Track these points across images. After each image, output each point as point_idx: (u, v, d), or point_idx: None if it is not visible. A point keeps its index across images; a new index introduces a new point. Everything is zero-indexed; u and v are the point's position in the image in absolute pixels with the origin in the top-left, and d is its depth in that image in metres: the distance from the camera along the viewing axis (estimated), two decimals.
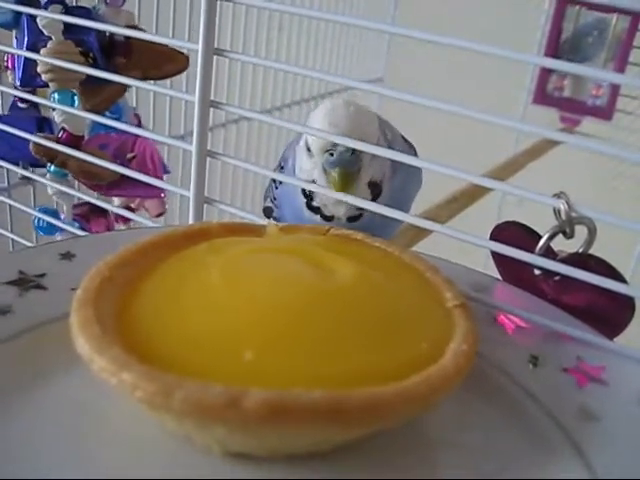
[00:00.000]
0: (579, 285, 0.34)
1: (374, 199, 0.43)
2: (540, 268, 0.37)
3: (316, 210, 0.44)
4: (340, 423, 0.24)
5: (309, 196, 0.44)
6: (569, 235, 0.35)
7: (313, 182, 0.43)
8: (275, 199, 0.49)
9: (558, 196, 0.34)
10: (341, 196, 0.40)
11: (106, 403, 0.28)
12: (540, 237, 0.38)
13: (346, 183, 0.41)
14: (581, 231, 0.36)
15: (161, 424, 0.27)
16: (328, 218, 0.44)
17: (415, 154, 0.48)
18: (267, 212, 0.50)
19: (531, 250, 0.36)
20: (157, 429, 0.27)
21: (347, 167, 0.41)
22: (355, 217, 0.44)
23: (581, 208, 0.34)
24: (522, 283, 0.38)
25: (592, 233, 0.36)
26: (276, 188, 0.48)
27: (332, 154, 0.41)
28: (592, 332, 0.34)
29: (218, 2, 0.41)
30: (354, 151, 0.40)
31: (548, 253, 0.37)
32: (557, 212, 0.35)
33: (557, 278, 0.37)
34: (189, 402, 0.23)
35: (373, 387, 0.24)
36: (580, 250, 0.37)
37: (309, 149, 0.42)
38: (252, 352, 0.25)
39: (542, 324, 0.34)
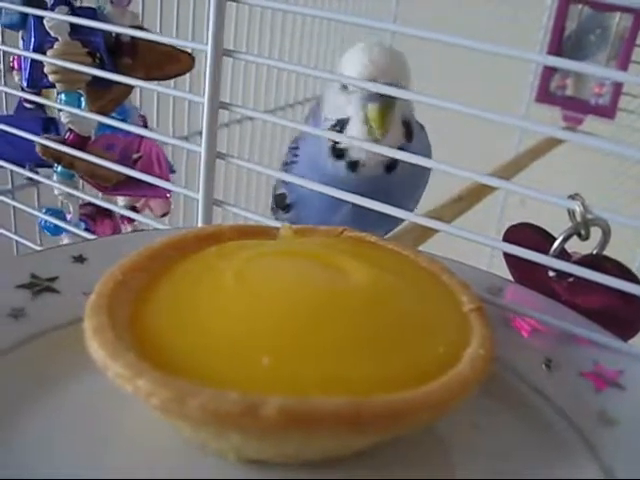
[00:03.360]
0: (593, 287, 0.34)
1: (408, 139, 0.44)
2: (555, 270, 0.37)
3: (341, 155, 0.44)
4: (359, 430, 0.23)
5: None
6: (584, 237, 0.35)
7: (346, 120, 0.43)
8: (288, 182, 0.48)
9: (573, 197, 0.34)
10: (371, 146, 0.40)
11: (120, 408, 0.27)
12: (553, 239, 0.38)
13: (384, 118, 0.41)
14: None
15: (175, 430, 0.26)
16: (353, 165, 0.44)
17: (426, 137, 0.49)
18: (279, 200, 0.50)
19: (545, 252, 0.36)
20: (171, 435, 0.27)
21: (386, 102, 0.41)
22: (391, 165, 0.43)
23: (596, 210, 0.34)
24: (535, 285, 0.38)
25: (606, 234, 0.36)
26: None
27: None
28: (609, 335, 0.34)
29: (227, 2, 0.41)
30: (395, 85, 0.41)
31: (562, 254, 0.37)
32: (572, 213, 0.35)
33: (571, 280, 0.37)
34: (205, 410, 0.22)
35: (391, 392, 0.24)
36: (594, 251, 0.37)
37: (345, 86, 0.43)
38: (269, 357, 0.25)
39: (558, 327, 0.34)
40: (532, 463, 0.28)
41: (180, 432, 0.26)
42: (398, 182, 0.44)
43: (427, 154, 0.48)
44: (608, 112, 1.00)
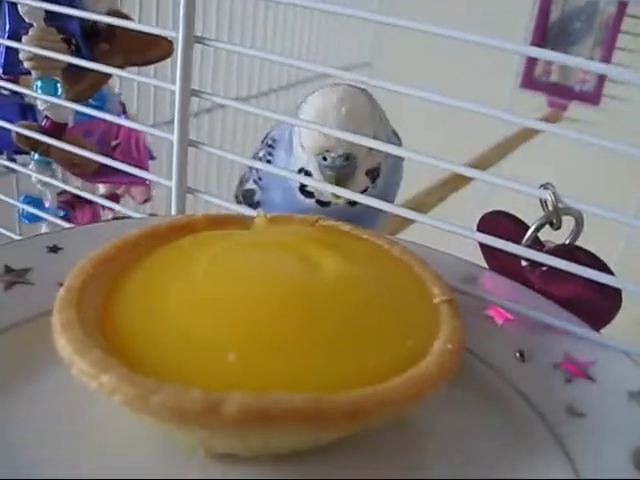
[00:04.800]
0: (566, 276, 0.34)
1: (373, 182, 0.43)
2: (527, 259, 0.37)
3: (310, 195, 0.43)
4: (321, 427, 0.23)
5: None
6: (556, 226, 0.35)
7: (308, 173, 0.42)
8: (260, 179, 0.48)
9: (545, 187, 0.34)
10: (336, 190, 0.40)
11: (94, 400, 0.27)
12: (527, 227, 0.38)
13: (342, 184, 0.41)
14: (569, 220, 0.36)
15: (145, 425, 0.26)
16: (324, 203, 0.43)
17: (400, 142, 0.48)
18: (248, 195, 0.49)
19: (518, 240, 0.36)
20: (143, 429, 0.27)
21: (341, 172, 0.41)
22: (354, 202, 0.42)
23: (568, 199, 0.34)
24: (509, 273, 0.38)
25: (579, 224, 0.36)
26: None
27: (325, 158, 0.41)
28: (582, 325, 0.34)
29: None
30: (348, 155, 0.40)
31: (535, 244, 0.37)
32: (544, 203, 0.35)
33: (544, 269, 0.37)
34: (167, 407, 0.22)
35: (357, 388, 0.24)
36: (567, 241, 0.37)
37: (303, 146, 0.42)
38: (235, 353, 0.25)
39: (532, 317, 0.34)
40: (498, 455, 0.28)
41: (149, 427, 0.26)
42: (364, 212, 0.42)
43: (396, 172, 0.48)
44: (592, 98, 1.00)
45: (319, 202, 0.43)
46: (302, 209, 0.43)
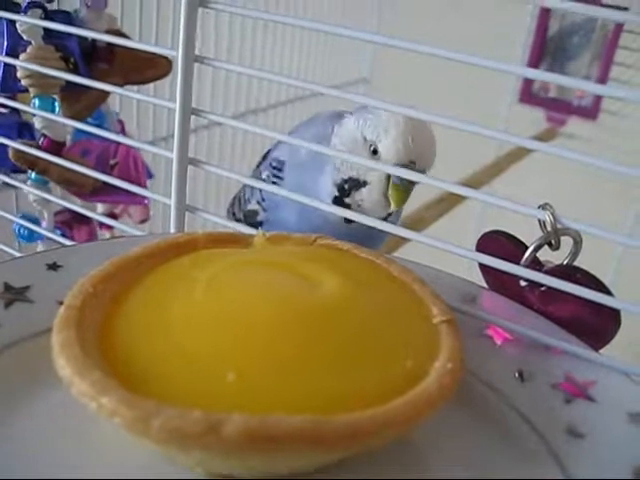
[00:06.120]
0: (565, 296, 0.34)
1: None
2: (526, 279, 0.37)
3: (346, 207, 0.43)
4: (321, 449, 0.23)
5: (345, 191, 0.43)
6: (555, 247, 0.35)
7: (362, 182, 0.43)
8: (264, 200, 0.48)
9: (543, 207, 0.34)
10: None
11: (93, 419, 0.27)
12: (526, 247, 0.38)
13: (406, 198, 0.42)
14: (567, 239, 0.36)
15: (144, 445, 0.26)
16: (349, 220, 0.43)
17: None
18: (250, 215, 0.49)
19: (517, 260, 0.36)
20: (141, 447, 0.26)
21: (412, 184, 0.41)
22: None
23: (566, 220, 0.34)
24: (508, 293, 0.38)
25: (578, 244, 0.36)
26: None
27: (408, 168, 0.40)
28: (582, 345, 0.34)
29: (200, 9, 0.40)
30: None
31: (534, 264, 0.37)
32: (542, 223, 0.35)
33: (543, 289, 0.37)
34: (168, 429, 0.22)
35: (356, 409, 0.24)
36: (565, 261, 0.37)
37: (376, 151, 0.42)
38: (236, 373, 0.25)
39: (531, 337, 0.34)
40: (498, 475, 0.28)
41: (147, 447, 0.26)
42: (377, 234, 0.43)
43: None
44: (590, 113, 1.01)
45: (348, 219, 0.43)
46: (321, 226, 0.43)
